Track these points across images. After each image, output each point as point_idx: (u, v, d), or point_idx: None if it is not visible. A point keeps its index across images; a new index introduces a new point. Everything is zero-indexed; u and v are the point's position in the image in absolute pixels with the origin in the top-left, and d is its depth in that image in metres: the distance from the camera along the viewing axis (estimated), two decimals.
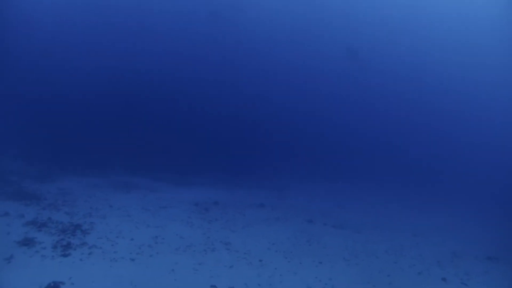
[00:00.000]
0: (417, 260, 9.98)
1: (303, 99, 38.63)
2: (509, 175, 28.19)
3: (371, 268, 8.97)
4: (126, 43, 32.52)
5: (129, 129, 23.20)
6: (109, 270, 7.12)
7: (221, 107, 30.98)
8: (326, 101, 40.75)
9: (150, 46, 33.33)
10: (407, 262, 9.75)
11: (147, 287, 6.64)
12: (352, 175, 27.03)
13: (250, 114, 32.07)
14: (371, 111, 42.93)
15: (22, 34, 28.39)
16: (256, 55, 38.32)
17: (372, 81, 43.70)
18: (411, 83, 45.25)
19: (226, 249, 9.15)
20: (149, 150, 21.59)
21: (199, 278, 7.29)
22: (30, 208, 10.27)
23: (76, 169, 16.57)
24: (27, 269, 6.67)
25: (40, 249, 7.57)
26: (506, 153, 32.98)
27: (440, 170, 30.86)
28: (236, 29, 37.47)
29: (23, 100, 22.86)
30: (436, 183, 27.91)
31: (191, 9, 36.81)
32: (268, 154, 26.61)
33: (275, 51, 40.00)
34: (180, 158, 22.02)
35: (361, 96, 43.43)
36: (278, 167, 25.21)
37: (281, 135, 30.65)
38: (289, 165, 26.46)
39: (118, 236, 8.97)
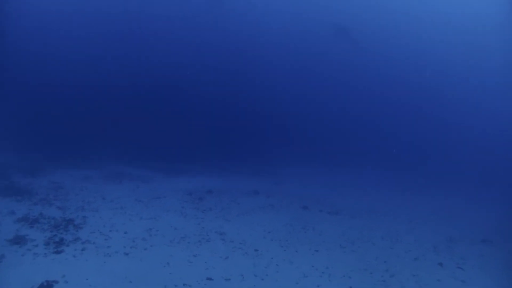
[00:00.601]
0: (413, 245, 10.00)
1: (296, 84, 38.36)
2: (502, 158, 28.35)
3: (367, 255, 8.95)
4: (120, 35, 31.98)
5: (120, 118, 22.93)
6: (103, 265, 7.02)
7: (212, 93, 30.65)
8: (319, 85, 40.48)
9: (144, 37, 32.84)
10: (403, 248, 9.76)
11: (142, 282, 6.55)
12: (346, 159, 27.04)
13: (242, 99, 31.80)
14: (365, 95, 42.74)
15: (17, 28, 27.80)
16: (245, 40, 37.78)
17: (367, 63, 43.27)
18: (408, 65, 44.83)
19: (221, 239, 9.08)
20: (141, 139, 21.38)
21: (195, 271, 7.22)
22: (21, 204, 10.10)
23: (68, 161, 16.36)
24: (19, 269, 6.54)
25: (32, 247, 7.44)
26: (500, 138, 33.05)
27: (435, 154, 30.97)
28: (224, 14, 36.80)
29: (14, 92, 22.46)
30: (431, 167, 28.01)
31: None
32: (261, 140, 26.52)
33: (265, 36, 39.41)
34: (172, 146, 21.86)
35: (354, 79, 43.13)
36: (271, 152, 25.12)
37: (274, 120, 30.52)
38: (283, 150, 26.36)
39: (112, 230, 8.85)
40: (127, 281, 6.50)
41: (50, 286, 6.05)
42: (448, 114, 41.46)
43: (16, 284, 6.01)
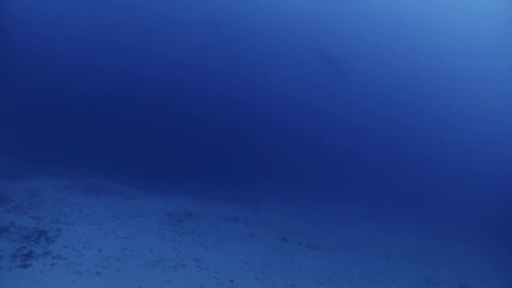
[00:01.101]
0: (391, 286, 9.91)
1: (280, 113, 38.57)
2: (482, 197, 28.73)
3: None
4: (111, 48, 31.98)
5: (106, 131, 22.64)
6: (72, 284, 6.75)
7: (199, 117, 30.69)
8: (303, 115, 40.72)
9: (134, 50, 32.87)
10: None
11: None
12: (326, 192, 27.02)
13: (227, 125, 31.82)
14: (348, 126, 43.17)
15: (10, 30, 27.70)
16: (231, 67, 37.96)
17: (352, 92, 43.61)
18: (393, 97, 45.34)
19: (197, 266, 8.87)
20: (125, 154, 21.07)
21: None
22: None
23: (47, 168, 15.98)
24: None
25: None
26: (483, 179, 33.57)
27: (415, 192, 31.19)
28: (216, 39, 37.16)
29: None
30: (410, 204, 28.18)
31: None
32: (243, 166, 26.40)
33: (255, 60, 39.70)
34: (155, 164, 21.60)
35: (338, 110, 43.49)
36: (253, 179, 24.98)
37: (258, 148, 30.45)
38: (264, 178, 26.25)
39: (85, 246, 8.58)
40: None
41: None
42: (431, 151, 41.98)
43: None
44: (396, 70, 44.02)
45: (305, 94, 41.89)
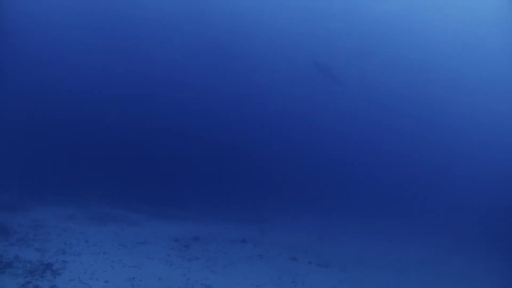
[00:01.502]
0: None
1: (283, 129, 38.49)
2: (492, 206, 28.38)
3: None
4: (111, 73, 32.20)
5: (109, 157, 22.59)
6: None
7: (202, 138, 30.65)
8: (306, 131, 40.60)
9: (136, 76, 33.09)
10: None
11: None
12: (332, 207, 26.80)
13: (230, 144, 31.73)
14: (352, 139, 42.99)
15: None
16: (230, 81, 38.00)
17: (351, 103, 43.39)
18: (393, 109, 45.20)
19: None
20: (129, 179, 20.99)
21: None
22: None
23: (52, 197, 15.87)
24: None
25: None
26: (490, 189, 33.21)
27: (423, 202, 30.90)
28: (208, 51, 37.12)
29: None
30: (420, 215, 27.89)
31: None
32: (248, 185, 26.22)
33: (252, 76, 39.64)
34: (160, 188, 21.48)
35: (340, 122, 43.34)
36: (258, 198, 24.83)
37: (260, 167, 30.27)
38: (269, 196, 26.10)
39: (92, 278, 8.40)
40: None
41: None
42: (438, 160, 41.71)
43: None
44: (394, 77, 43.86)
45: (306, 108, 41.82)
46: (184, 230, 14.65)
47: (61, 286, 7.70)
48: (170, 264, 10.22)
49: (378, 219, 24.87)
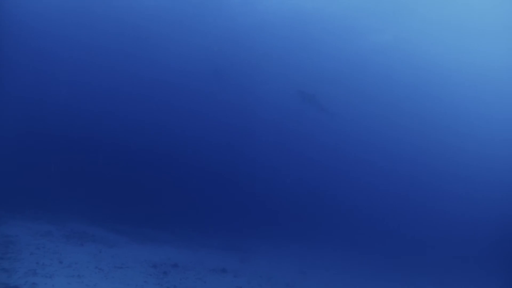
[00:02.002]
0: None
1: (269, 157, 38.30)
2: (477, 246, 28.26)
3: None
4: (103, 89, 31.99)
5: (90, 173, 22.11)
6: None
7: (185, 160, 30.36)
8: (292, 160, 40.46)
9: (124, 94, 32.91)
10: None
11: None
12: (319, 239, 26.41)
13: (214, 169, 31.43)
14: (339, 170, 42.90)
15: None
16: (217, 109, 37.89)
17: (341, 134, 43.11)
18: (386, 137, 45.01)
19: None
20: (110, 197, 20.51)
21: None
22: None
23: (29, 211, 15.29)
24: None
25: None
26: (478, 226, 33.10)
27: (411, 237, 30.61)
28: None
29: None
30: (406, 250, 27.60)
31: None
32: (230, 211, 25.88)
33: (240, 106, 39.53)
34: (141, 209, 20.99)
35: (328, 153, 43.23)
36: (242, 225, 24.46)
37: (245, 194, 29.95)
38: (254, 223, 25.71)
39: None
40: None
41: None
42: (426, 197, 41.53)
43: None
44: (385, 107, 43.91)
45: (292, 138, 41.78)
46: (163, 255, 14.18)
47: None
48: None
49: (366, 256, 24.44)
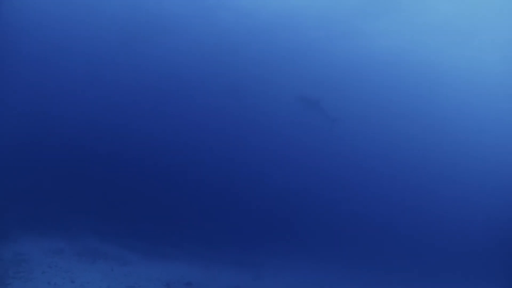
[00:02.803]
0: None
1: (282, 168, 37.83)
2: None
3: None
4: (112, 106, 32.10)
5: (103, 188, 21.96)
6: None
7: (197, 174, 30.13)
8: (303, 169, 39.79)
9: (135, 110, 33.03)
10: None
11: None
12: (336, 255, 25.53)
13: (226, 184, 31.09)
14: (353, 179, 42.04)
15: None
16: (226, 120, 37.66)
17: (348, 141, 42.33)
18: (392, 141, 44.28)
19: None
20: (122, 213, 20.32)
21: None
22: None
23: (41, 228, 15.09)
24: None
25: None
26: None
27: (430, 257, 29.47)
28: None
29: None
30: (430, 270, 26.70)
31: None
32: (243, 226, 25.42)
33: (245, 116, 39.18)
34: (154, 225, 20.73)
35: (338, 162, 42.48)
36: (256, 239, 24.02)
37: (257, 207, 29.47)
38: (268, 238, 25.21)
39: None
40: None
41: None
42: (431, 207, 40.44)
43: None
44: (393, 108, 43.29)
45: (301, 148, 41.20)
46: (176, 273, 13.86)
47: None
48: None
49: (382, 271, 23.63)
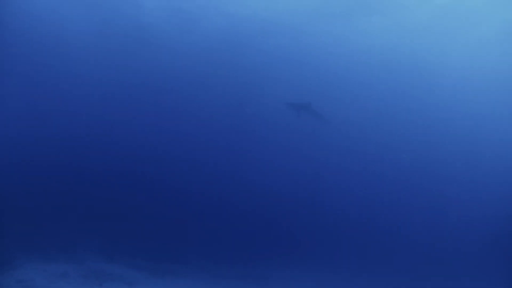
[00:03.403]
0: None
1: (286, 177, 37.42)
2: None
3: None
4: (113, 120, 31.77)
5: (106, 207, 21.52)
6: None
7: (200, 189, 29.76)
8: (311, 181, 39.32)
9: (137, 125, 32.73)
10: None
11: None
12: (345, 267, 24.96)
13: (228, 197, 30.68)
14: (351, 184, 41.59)
15: None
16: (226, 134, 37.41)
17: (344, 142, 41.96)
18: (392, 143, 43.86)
19: None
20: (127, 231, 19.88)
21: None
22: None
23: (43, 251, 14.64)
24: None
25: None
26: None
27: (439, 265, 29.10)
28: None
29: None
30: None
31: None
32: (249, 239, 25.02)
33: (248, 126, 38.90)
34: (158, 243, 20.28)
35: (335, 165, 42.00)
36: (262, 250, 23.60)
37: (262, 219, 29.06)
38: (276, 249, 24.78)
39: None
40: None
41: None
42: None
43: None
44: (387, 107, 43.06)
45: (307, 158, 40.80)
46: None
47: None
48: None
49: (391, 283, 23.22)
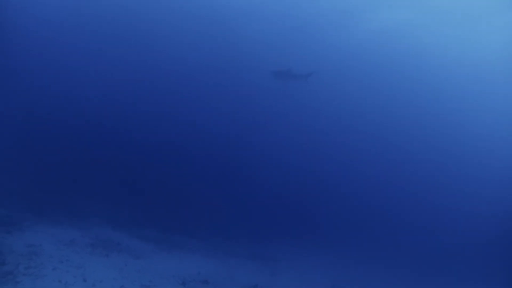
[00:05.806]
0: None
1: (299, 158, 36.99)
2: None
3: None
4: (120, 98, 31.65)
5: (117, 175, 21.38)
6: None
7: (211, 165, 29.54)
8: (322, 163, 38.91)
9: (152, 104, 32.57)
10: None
11: None
12: (356, 250, 24.76)
13: (239, 173, 30.42)
14: (370, 175, 41.11)
15: None
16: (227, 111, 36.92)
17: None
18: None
19: None
20: (136, 201, 19.76)
21: None
22: None
23: (52, 215, 14.56)
24: None
25: None
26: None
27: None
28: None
29: None
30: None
31: None
32: (262, 217, 24.79)
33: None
34: (168, 213, 20.13)
35: (354, 154, 41.62)
36: (273, 231, 23.38)
37: (277, 196, 28.76)
38: (285, 230, 24.58)
39: None
40: None
41: None
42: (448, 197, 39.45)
43: None
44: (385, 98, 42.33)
45: (320, 141, 40.34)
46: (192, 268, 13.22)
47: None
48: None
49: (399, 267, 22.86)
